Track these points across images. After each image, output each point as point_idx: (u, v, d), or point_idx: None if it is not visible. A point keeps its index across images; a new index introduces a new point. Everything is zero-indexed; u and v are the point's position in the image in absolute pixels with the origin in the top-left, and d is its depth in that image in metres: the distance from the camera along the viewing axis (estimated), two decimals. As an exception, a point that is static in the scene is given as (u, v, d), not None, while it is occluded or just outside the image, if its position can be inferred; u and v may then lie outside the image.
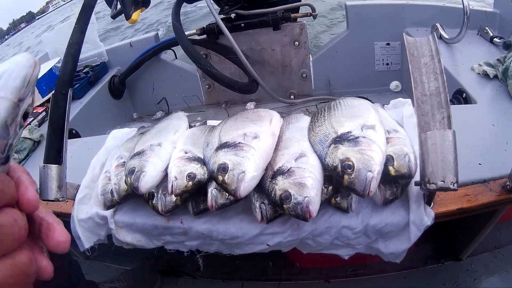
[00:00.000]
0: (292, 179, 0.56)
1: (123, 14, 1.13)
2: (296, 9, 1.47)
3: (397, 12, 1.46)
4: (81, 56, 1.59)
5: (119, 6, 1.12)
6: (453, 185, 0.52)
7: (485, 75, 1.06)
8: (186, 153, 0.70)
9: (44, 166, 0.72)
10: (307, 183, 0.55)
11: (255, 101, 1.62)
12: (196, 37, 1.48)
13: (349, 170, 0.53)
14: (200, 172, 0.64)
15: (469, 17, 1.15)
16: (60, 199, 0.74)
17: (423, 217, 0.60)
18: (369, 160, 0.53)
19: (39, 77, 1.42)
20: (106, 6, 1.21)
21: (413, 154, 0.58)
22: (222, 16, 1.39)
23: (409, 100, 0.79)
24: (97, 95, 1.57)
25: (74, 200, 0.81)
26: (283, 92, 1.57)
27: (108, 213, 0.77)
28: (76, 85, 1.49)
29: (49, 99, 1.52)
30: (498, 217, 0.84)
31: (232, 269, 1.10)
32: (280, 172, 0.57)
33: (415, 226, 0.61)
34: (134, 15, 1.08)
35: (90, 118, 1.49)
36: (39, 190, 0.74)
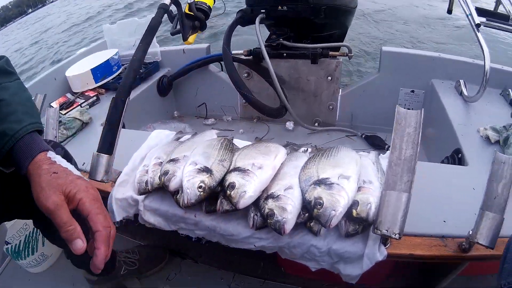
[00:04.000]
0: (278, 203, 0.84)
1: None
2: (335, 48, 1.75)
3: (427, 63, 1.66)
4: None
5: (178, 26, 1.36)
6: (395, 235, 0.75)
7: (487, 139, 1.19)
8: (196, 164, 0.94)
9: (97, 154, 0.98)
10: (287, 208, 0.83)
11: (285, 121, 1.92)
12: (243, 57, 1.81)
13: (318, 206, 0.80)
14: (209, 181, 0.90)
15: (487, 80, 1.30)
16: (105, 181, 1.02)
17: (376, 252, 0.83)
18: (335, 202, 0.80)
19: (96, 65, 1.83)
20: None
21: (375, 204, 0.82)
22: (268, 43, 1.69)
23: None
24: (146, 90, 1.92)
25: (114, 182, 1.09)
26: (310, 117, 1.88)
27: (140, 197, 1.05)
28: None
29: (101, 85, 1.90)
30: (458, 271, 1.02)
31: (228, 261, 1.38)
32: (271, 196, 0.86)
33: (368, 259, 0.85)
34: (191, 38, 1.34)
35: (136, 110, 1.82)
36: (90, 171, 0.99)
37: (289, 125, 1.96)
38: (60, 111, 1.65)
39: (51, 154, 0.67)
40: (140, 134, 1.43)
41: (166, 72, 2.08)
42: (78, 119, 1.53)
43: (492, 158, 1.06)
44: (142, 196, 1.07)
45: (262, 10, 1.64)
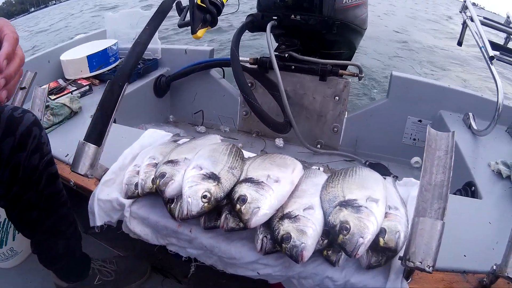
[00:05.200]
0: (296, 225, 0.69)
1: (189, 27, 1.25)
2: (345, 67, 1.64)
3: (437, 93, 1.58)
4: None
5: (187, 18, 1.24)
6: (429, 268, 0.63)
7: (499, 173, 1.14)
8: (201, 169, 0.78)
9: (83, 142, 0.85)
10: (307, 232, 0.68)
11: (284, 139, 1.78)
12: (248, 65, 1.66)
13: (345, 232, 0.66)
14: (215, 191, 0.73)
15: (499, 115, 1.25)
16: (89, 176, 0.86)
17: (398, 288, 0.71)
18: (364, 228, 0.66)
19: (93, 52, 1.64)
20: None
21: (404, 233, 0.69)
22: (276, 53, 1.56)
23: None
24: (142, 88, 1.75)
25: (99, 180, 0.92)
26: (312, 138, 1.73)
27: (127, 202, 0.88)
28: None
29: (96, 75, 1.70)
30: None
31: (217, 286, 1.20)
32: (288, 216, 0.71)
33: (389, 295, 0.71)
34: (200, 32, 1.20)
35: (129, 107, 1.64)
36: (72, 161, 0.86)
37: (279, 142, 1.80)
38: (49, 96, 1.48)
39: None
40: (131, 131, 1.27)
41: (164, 72, 1.91)
42: (67, 106, 1.37)
43: (504, 192, 1.07)
44: (130, 201, 0.90)
45: (274, 17, 1.51)
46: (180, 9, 1.26)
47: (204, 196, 0.72)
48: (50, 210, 0.95)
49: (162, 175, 0.80)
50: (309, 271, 0.75)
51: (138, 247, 1.30)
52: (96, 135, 0.86)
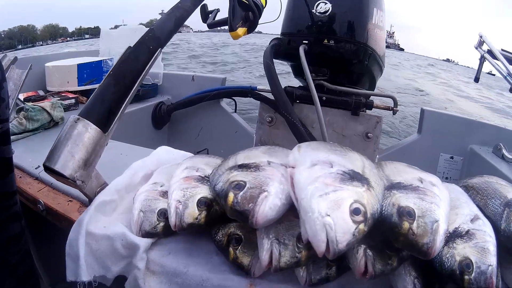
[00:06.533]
0: (474, 243, 0.47)
1: (221, 27, 1.11)
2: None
3: (466, 127, 1.55)
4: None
5: (219, 17, 1.10)
6: None
7: None
8: (331, 166, 0.49)
9: (78, 118, 0.54)
10: (490, 249, 0.46)
11: None
12: (268, 96, 1.47)
13: None
14: (369, 199, 0.44)
15: None
16: (77, 182, 0.53)
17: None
18: None
19: (85, 62, 1.37)
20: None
21: None
22: (302, 84, 1.42)
23: None
24: (138, 113, 1.49)
25: (90, 200, 0.59)
26: None
27: (142, 242, 0.54)
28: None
29: (84, 92, 1.42)
30: None
31: None
32: (458, 234, 0.47)
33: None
34: (240, 30, 1.04)
35: (119, 133, 1.36)
36: (51, 150, 0.53)
37: None
38: (26, 102, 1.19)
39: None
40: (137, 149, 0.98)
41: (164, 100, 1.66)
42: (47, 111, 1.10)
43: None
44: (147, 241, 0.56)
45: (304, 41, 1.36)
46: (206, 14, 1.10)
47: (356, 211, 0.42)
48: None
49: (239, 185, 0.49)
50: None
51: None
52: (102, 113, 0.56)
